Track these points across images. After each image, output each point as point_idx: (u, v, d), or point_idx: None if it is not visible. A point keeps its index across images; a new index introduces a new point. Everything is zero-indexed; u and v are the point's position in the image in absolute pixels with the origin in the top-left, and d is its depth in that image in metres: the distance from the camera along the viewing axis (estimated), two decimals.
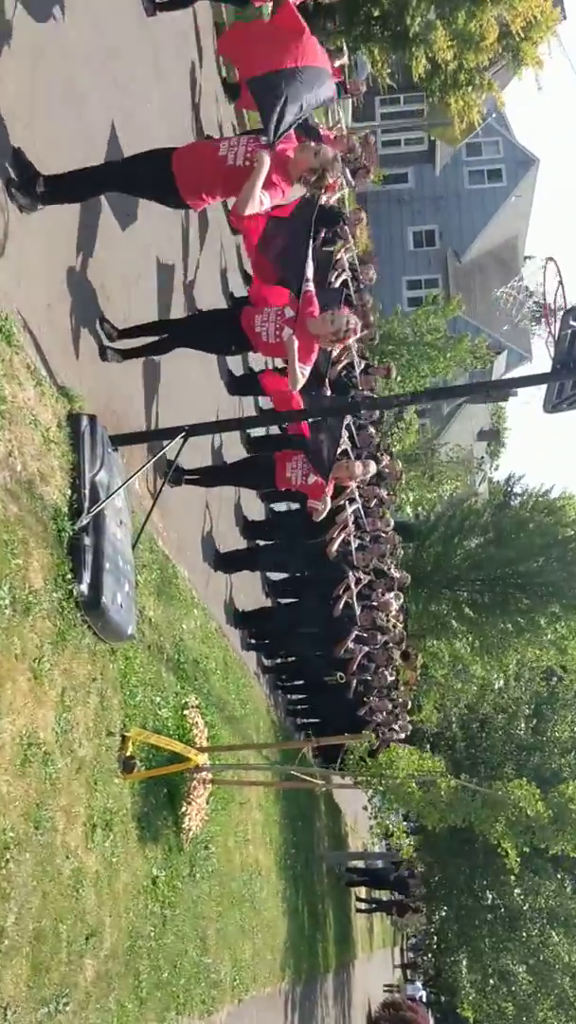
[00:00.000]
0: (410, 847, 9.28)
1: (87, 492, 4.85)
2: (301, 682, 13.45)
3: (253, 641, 11.24)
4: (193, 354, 8.28)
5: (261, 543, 10.82)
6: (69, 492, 4.80)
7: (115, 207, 6.56)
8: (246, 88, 5.69)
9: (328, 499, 7.80)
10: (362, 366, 11.47)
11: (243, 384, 10.41)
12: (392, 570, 13.78)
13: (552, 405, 5.68)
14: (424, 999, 33.06)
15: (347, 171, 11.75)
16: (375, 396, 12.49)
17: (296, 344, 5.91)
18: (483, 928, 16.31)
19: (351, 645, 11.26)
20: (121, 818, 5.36)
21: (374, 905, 24.04)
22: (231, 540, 9.98)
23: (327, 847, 17.11)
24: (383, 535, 12.79)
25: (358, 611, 10.92)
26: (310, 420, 6.88)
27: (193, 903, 6.80)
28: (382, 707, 13.65)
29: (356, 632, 11.19)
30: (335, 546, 9.67)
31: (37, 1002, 4.01)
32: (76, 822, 4.58)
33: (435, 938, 18.96)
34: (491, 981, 16.60)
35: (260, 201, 4.90)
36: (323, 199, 11.34)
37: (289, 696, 13.66)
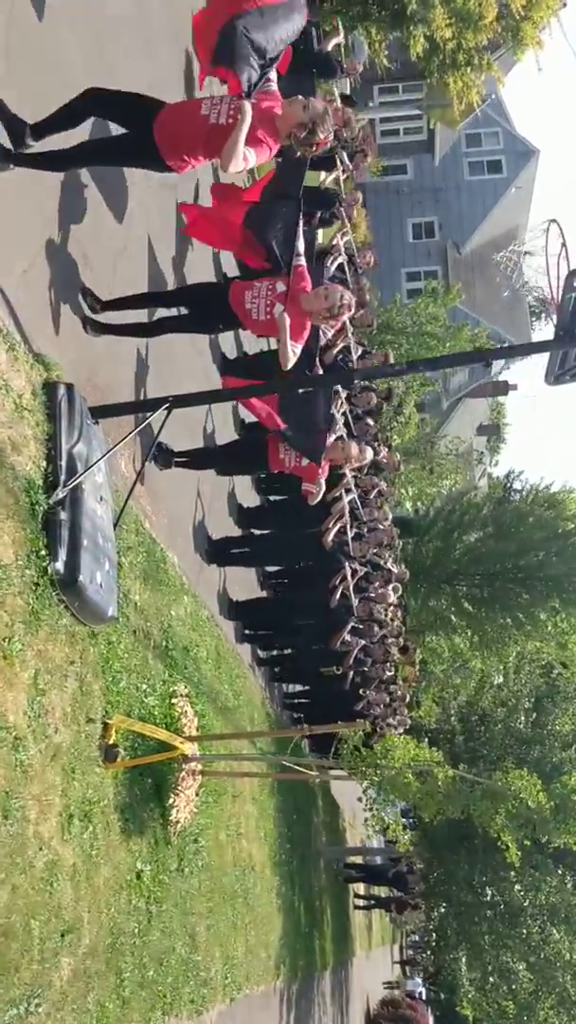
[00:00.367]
0: (407, 841, 9.03)
1: (63, 464, 4.59)
2: (297, 675, 13.21)
3: (248, 633, 10.99)
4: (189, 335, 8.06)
5: (256, 532, 10.56)
6: (44, 464, 4.55)
7: (102, 177, 6.30)
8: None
9: (323, 482, 7.55)
10: (359, 352, 11.22)
11: (238, 367, 10.14)
12: (390, 563, 13.55)
13: (555, 376, 5.42)
14: (423, 996, 32.87)
15: (344, 154, 11.50)
16: (372, 383, 12.23)
17: (287, 321, 5.64)
18: (483, 925, 16.07)
19: (347, 637, 11.01)
20: (102, 809, 5.10)
21: (372, 902, 23.81)
22: (224, 529, 9.72)
23: (324, 842, 16.87)
24: (381, 527, 12.55)
25: (355, 603, 10.66)
26: (284, 406, 6.61)
27: (181, 898, 6.55)
28: (379, 700, 13.41)
29: (352, 624, 10.94)
30: (331, 535, 9.42)
31: (5, 1003, 3.76)
32: (50, 812, 4.33)
33: (434, 935, 18.71)
34: (491, 979, 16.36)
35: (244, 157, 4.64)
36: (324, 181, 11.14)
37: (285, 689, 13.41)
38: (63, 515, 4.50)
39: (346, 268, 10.62)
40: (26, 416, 4.46)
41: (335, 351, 10.32)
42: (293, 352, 5.78)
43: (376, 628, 12.40)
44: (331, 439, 8.22)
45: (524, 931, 15.54)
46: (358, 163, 11.71)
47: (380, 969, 30.45)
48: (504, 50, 15.35)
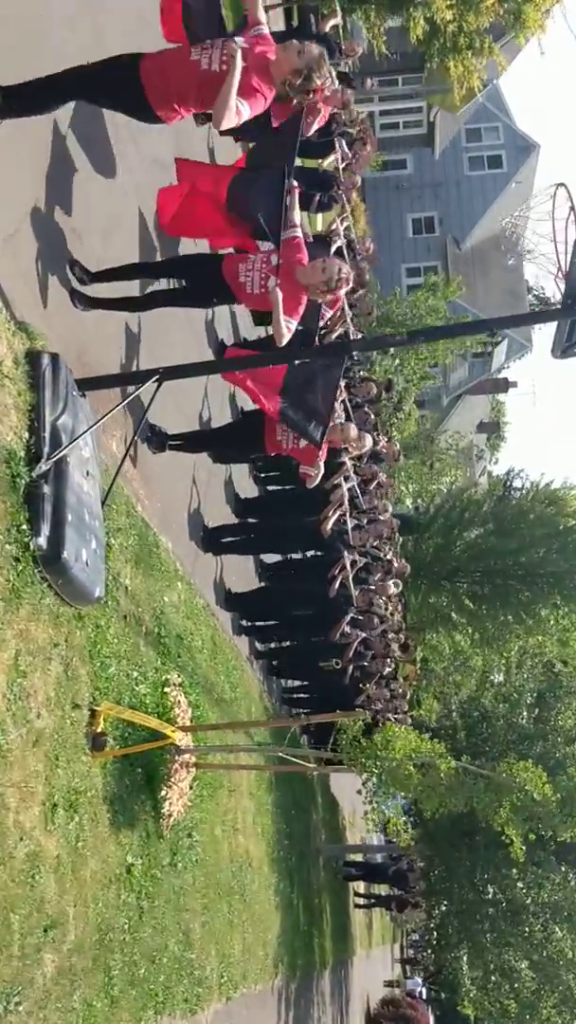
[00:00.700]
0: (408, 835, 8.81)
1: (47, 436, 4.37)
2: (296, 669, 12.98)
3: (246, 624, 10.77)
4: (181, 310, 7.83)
5: (253, 521, 10.33)
6: (27, 435, 4.32)
7: (91, 146, 6.08)
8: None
9: (321, 464, 7.32)
10: (359, 338, 11.01)
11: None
12: (390, 556, 13.34)
13: (561, 350, 5.19)
14: (424, 995, 32.66)
15: (343, 142, 11.28)
16: (370, 366, 12.03)
17: (280, 295, 5.42)
18: (484, 923, 15.84)
19: (347, 629, 10.79)
20: (89, 799, 4.88)
21: (373, 900, 23.59)
22: (221, 518, 9.50)
23: (324, 840, 16.64)
24: (381, 518, 12.34)
25: (354, 593, 10.44)
26: (285, 387, 6.37)
27: (175, 894, 6.33)
28: (380, 695, 13.18)
29: (352, 615, 10.72)
30: (330, 523, 9.20)
31: None
32: (32, 800, 4.11)
33: (435, 934, 18.48)
34: (493, 978, 16.13)
35: (238, 110, 4.42)
36: (322, 164, 10.91)
37: (284, 684, 13.18)
38: (46, 489, 4.28)
39: (345, 253, 10.40)
40: (7, 385, 4.24)
41: (334, 336, 10.13)
42: (288, 328, 5.56)
43: (376, 620, 12.19)
44: (332, 422, 8.00)
45: (526, 929, 15.32)
46: (357, 152, 11.49)
47: (380, 968, 30.24)
48: (508, 38, 15.15)
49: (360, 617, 11.31)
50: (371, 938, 26.08)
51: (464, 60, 12.85)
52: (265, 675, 11.93)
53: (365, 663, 12.42)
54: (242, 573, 10.49)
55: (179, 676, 6.80)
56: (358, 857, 21.56)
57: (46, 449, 4.34)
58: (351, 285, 6.00)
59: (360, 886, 22.94)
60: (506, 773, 6.32)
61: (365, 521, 11.04)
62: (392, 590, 12.54)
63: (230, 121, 4.34)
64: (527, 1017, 15.94)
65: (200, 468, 8.82)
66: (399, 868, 19.77)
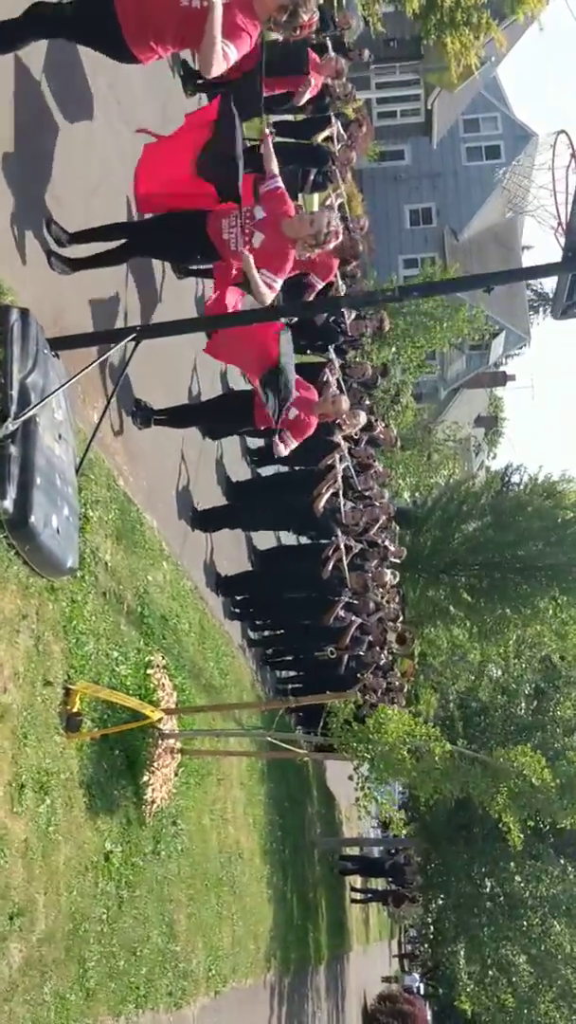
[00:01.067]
0: (401, 822, 8.57)
1: (15, 395, 4.10)
2: (290, 658, 12.73)
3: (237, 610, 10.51)
4: (165, 278, 7.55)
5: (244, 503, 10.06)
6: None
7: (71, 104, 5.81)
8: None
9: (292, 440, 7.05)
10: (352, 315, 10.75)
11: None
12: (387, 542, 13.10)
13: (562, 309, 4.93)
14: (421, 991, 32.45)
15: (339, 124, 11.00)
16: (364, 347, 11.77)
17: (251, 258, 5.15)
18: (482, 917, 15.60)
19: (342, 613, 10.54)
20: (63, 782, 4.62)
21: (369, 895, 23.37)
22: (211, 500, 9.22)
23: (320, 833, 16.40)
24: (377, 504, 12.09)
25: (348, 575, 10.18)
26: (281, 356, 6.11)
27: (158, 884, 6.07)
28: (377, 685, 12.93)
29: (347, 599, 10.47)
30: (322, 501, 8.95)
31: None
32: None
33: (432, 928, 18.25)
34: (490, 972, 15.88)
35: (224, 54, 4.16)
36: (317, 138, 10.64)
37: (278, 674, 12.92)
38: (13, 449, 4.02)
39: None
40: None
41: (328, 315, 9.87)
42: (268, 286, 5.29)
43: (372, 605, 11.94)
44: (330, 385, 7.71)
45: (524, 923, 15.07)
46: (353, 133, 11.21)
47: (377, 964, 30.01)
48: (507, 22, 14.86)
49: (355, 601, 11.06)
50: (368, 933, 25.86)
51: (461, 36, 12.56)
52: (258, 664, 11.66)
53: (361, 652, 12.18)
54: (234, 557, 10.22)
55: (163, 658, 6.55)
56: (354, 851, 21.32)
57: (13, 408, 4.07)
58: (340, 239, 5.69)
59: (357, 881, 22.71)
60: (503, 758, 6.07)
61: (360, 504, 10.81)
62: (388, 578, 12.30)
63: (219, 66, 4.09)
64: (525, 1012, 15.70)
65: (190, 447, 8.55)
66: (396, 862, 19.55)
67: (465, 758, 6.14)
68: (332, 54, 9.69)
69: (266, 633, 11.81)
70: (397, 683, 14.98)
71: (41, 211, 5.41)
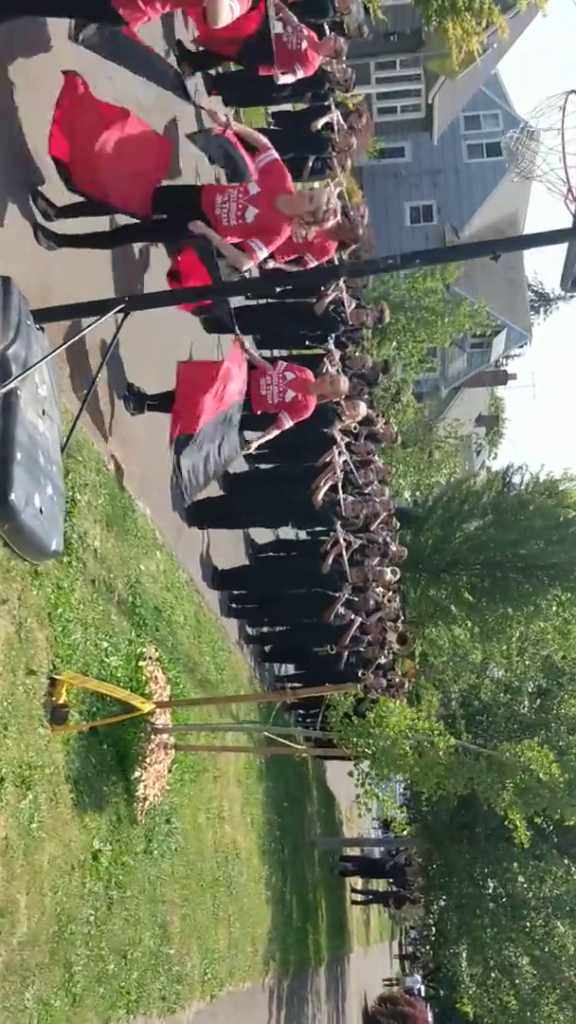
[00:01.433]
0: (403, 820, 8.34)
1: None
2: (289, 654, 12.49)
3: (235, 606, 10.28)
4: (160, 257, 7.33)
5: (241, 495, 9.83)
6: None
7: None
8: None
9: (288, 420, 6.86)
10: (352, 304, 10.54)
11: (223, 321, 9.43)
12: (387, 538, 12.90)
13: (572, 281, 4.71)
14: (422, 992, 32.21)
15: (339, 113, 10.79)
16: (362, 333, 11.55)
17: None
18: (484, 918, 15.36)
19: (341, 610, 10.32)
20: (47, 776, 4.40)
21: (370, 896, 23.13)
22: (207, 492, 8.98)
23: (320, 833, 16.17)
24: (377, 500, 11.89)
25: (348, 570, 9.96)
26: None
27: (150, 884, 5.85)
28: (377, 684, 12.73)
29: (347, 596, 10.24)
30: (321, 493, 8.73)
31: None
32: None
33: (433, 929, 18.01)
34: (493, 974, 15.65)
35: (230, 7, 3.99)
36: (316, 125, 10.43)
37: (277, 672, 12.69)
38: None
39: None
40: None
41: (327, 301, 9.65)
42: (253, 256, 5.13)
43: (372, 603, 11.73)
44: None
45: (527, 924, 14.84)
46: (353, 124, 11.01)
47: (379, 966, 29.78)
48: (511, 13, 14.63)
49: (355, 598, 10.85)
50: (369, 935, 25.62)
51: (463, 22, 12.34)
52: (256, 661, 11.43)
53: (361, 649, 11.96)
54: (231, 552, 10.00)
55: (156, 650, 6.32)
56: (355, 851, 21.09)
57: None
58: (338, 217, 5.50)
59: (357, 882, 22.48)
60: (509, 753, 5.85)
61: (361, 499, 10.60)
62: (389, 577, 12.09)
63: (225, 17, 3.90)
64: (528, 1014, 15.47)
65: None
66: (397, 863, 19.31)
67: (470, 753, 5.92)
68: (331, 33, 9.47)
69: (264, 630, 11.58)
70: (398, 681, 14.78)
71: (27, 183, 5.20)
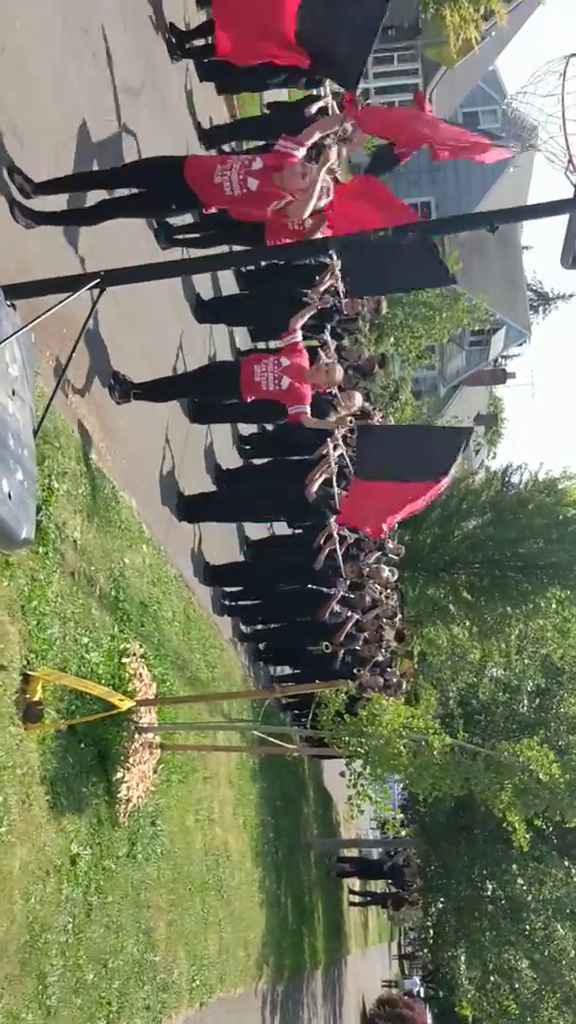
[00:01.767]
0: (397, 822, 8.12)
1: None
2: (284, 653, 12.27)
3: (228, 603, 10.06)
4: (147, 238, 7.13)
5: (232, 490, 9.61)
6: None
7: (41, 53, 5.38)
8: None
9: (308, 408, 6.64)
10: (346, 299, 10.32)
11: (215, 310, 9.22)
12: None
13: (573, 257, 4.49)
14: (422, 994, 31.99)
15: (335, 103, 10.55)
16: (358, 324, 11.34)
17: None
18: (483, 921, 15.13)
19: (336, 607, 10.10)
20: (19, 777, 4.18)
21: (368, 898, 22.90)
22: (198, 487, 8.77)
23: (316, 834, 15.94)
24: None
25: (342, 566, 9.74)
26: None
27: (133, 889, 5.62)
28: (374, 683, 12.51)
29: (342, 592, 10.02)
30: (315, 486, 8.51)
31: None
32: None
33: (432, 932, 17.79)
34: (492, 978, 15.42)
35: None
36: (310, 110, 10.20)
37: (272, 672, 12.46)
38: None
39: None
40: None
41: (322, 289, 9.43)
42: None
43: (368, 600, 11.51)
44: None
45: (527, 927, 14.61)
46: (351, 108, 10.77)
47: (377, 968, 29.54)
48: (513, 5, 14.43)
49: (351, 595, 10.63)
50: (367, 937, 25.39)
51: (460, 9, 12.13)
52: (251, 659, 11.21)
53: (357, 647, 11.74)
54: (223, 547, 9.77)
55: (141, 646, 6.10)
56: (353, 853, 20.86)
57: None
58: (331, 197, 5.32)
59: (355, 883, 22.25)
60: (508, 752, 5.63)
61: None
62: (386, 574, 11.87)
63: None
64: (528, 1019, 15.24)
65: (175, 431, 8.11)
66: (395, 864, 19.08)
67: (466, 752, 5.70)
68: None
69: (259, 627, 11.36)
70: (395, 680, 14.55)
71: (1, 158, 4.98)
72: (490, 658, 19.22)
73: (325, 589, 9.84)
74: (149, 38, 7.96)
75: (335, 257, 8.81)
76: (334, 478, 9.10)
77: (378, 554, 11.99)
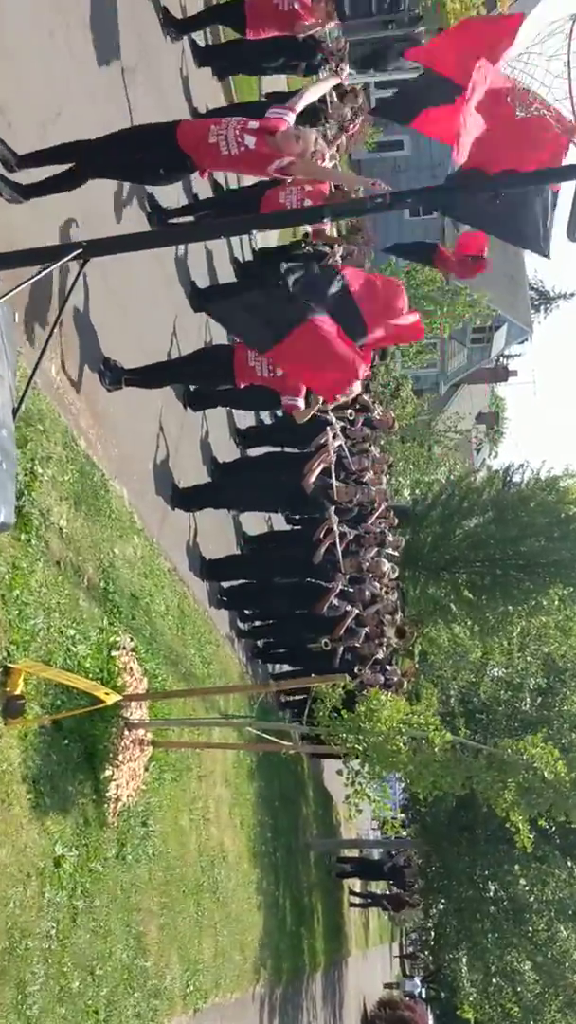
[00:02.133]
0: (397, 822, 7.91)
1: None
2: (283, 650, 12.05)
3: (225, 599, 9.85)
4: (138, 211, 6.89)
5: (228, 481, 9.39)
6: None
7: (27, 29, 5.17)
8: None
9: (302, 401, 6.38)
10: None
11: (212, 299, 9.00)
12: (384, 527, 12.47)
13: None
14: (423, 995, 31.78)
15: (336, 98, 10.34)
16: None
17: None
18: (485, 922, 14.94)
19: (335, 602, 9.88)
20: None
21: (369, 899, 22.67)
22: (194, 478, 8.55)
23: (315, 834, 15.72)
24: (373, 489, 11.46)
25: (342, 560, 9.52)
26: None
27: (123, 892, 5.41)
28: (374, 681, 12.29)
29: (341, 586, 9.80)
30: (313, 476, 8.30)
31: None
32: None
33: (433, 933, 17.59)
34: (494, 980, 15.22)
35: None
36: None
37: (271, 669, 12.24)
38: None
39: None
40: None
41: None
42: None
43: (368, 594, 11.29)
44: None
45: (530, 928, 14.41)
46: (350, 104, 10.56)
47: (378, 969, 29.32)
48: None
49: (350, 589, 10.42)
50: (368, 938, 25.17)
51: None
52: (248, 656, 10.99)
53: (357, 643, 11.53)
54: (220, 541, 9.56)
55: (132, 640, 5.88)
56: (353, 853, 20.64)
57: None
58: (326, 161, 5.12)
59: (355, 884, 22.02)
60: (511, 750, 5.41)
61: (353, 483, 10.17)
62: (387, 569, 11.66)
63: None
64: (530, 1022, 15.04)
65: (170, 420, 7.89)
66: (395, 864, 18.86)
67: (468, 750, 5.49)
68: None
69: (256, 623, 11.15)
70: (396, 678, 14.35)
71: None
72: (491, 656, 19.04)
73: (324, 583, 9.63)
74: (146, 19, 7.77)
75: (328, 220, 8.60)
76: (332, 468, 8.91)
77: (377, 548, 11.78)
